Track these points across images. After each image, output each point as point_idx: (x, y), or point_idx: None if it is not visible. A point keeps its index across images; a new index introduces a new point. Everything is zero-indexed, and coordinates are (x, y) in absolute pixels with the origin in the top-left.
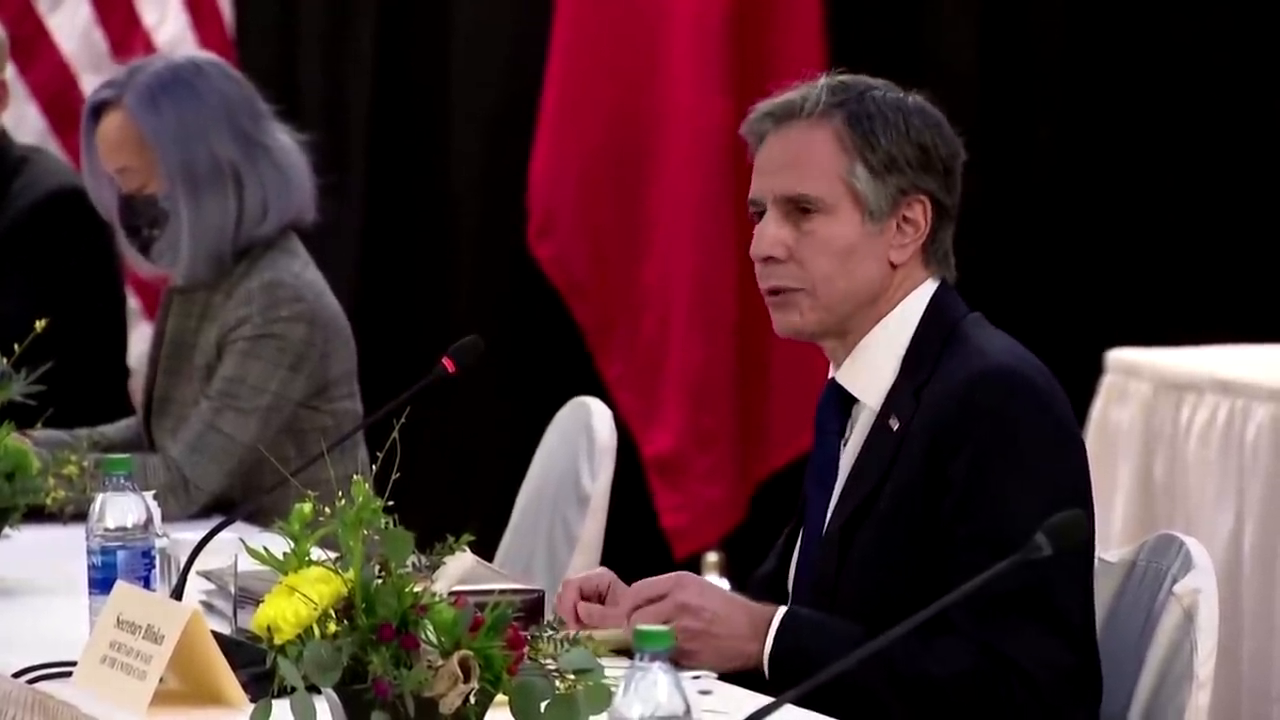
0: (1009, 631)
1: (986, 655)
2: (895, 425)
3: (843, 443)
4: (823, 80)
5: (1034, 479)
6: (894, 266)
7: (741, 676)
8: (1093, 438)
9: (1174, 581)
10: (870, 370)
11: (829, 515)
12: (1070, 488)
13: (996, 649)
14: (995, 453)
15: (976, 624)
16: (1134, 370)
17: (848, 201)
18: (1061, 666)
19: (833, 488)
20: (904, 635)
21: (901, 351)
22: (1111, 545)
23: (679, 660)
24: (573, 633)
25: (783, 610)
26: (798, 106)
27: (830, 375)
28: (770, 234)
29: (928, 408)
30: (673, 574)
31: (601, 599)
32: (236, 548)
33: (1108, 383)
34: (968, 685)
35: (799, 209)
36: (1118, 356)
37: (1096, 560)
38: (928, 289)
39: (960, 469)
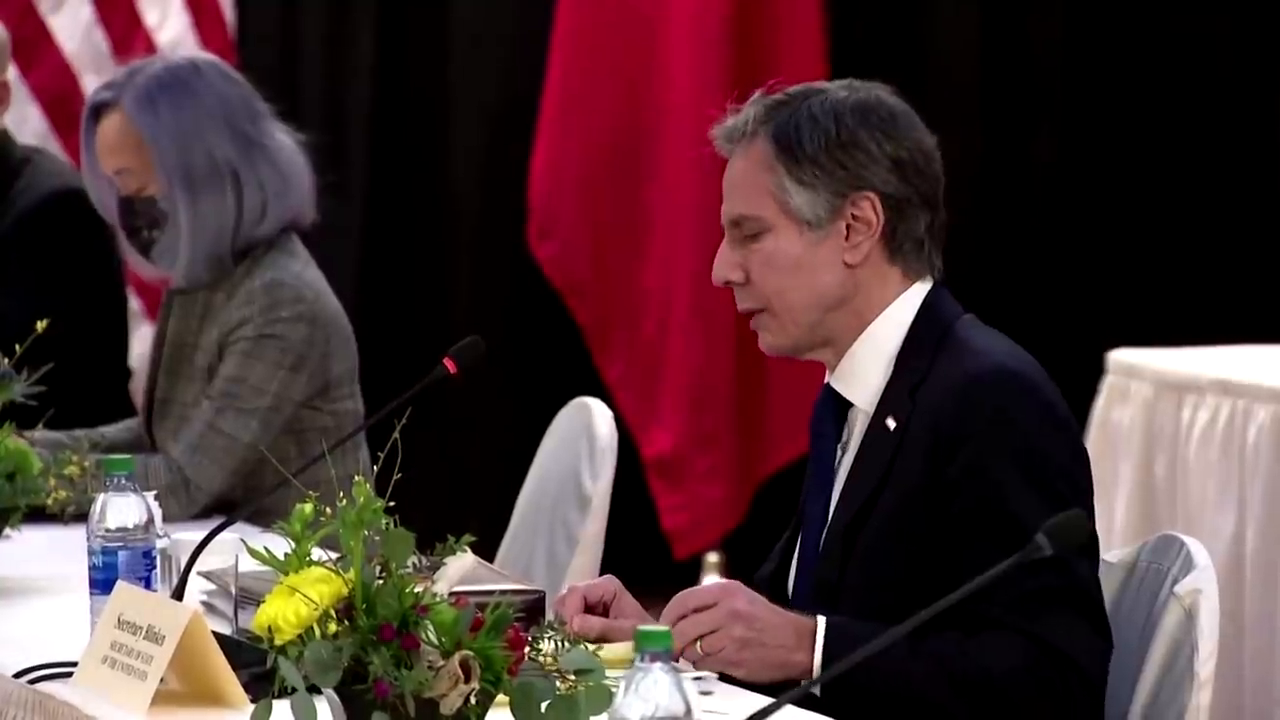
0: (1058, 625)
1: (1040, 649)
2: (893, 425)
3: (840, 447)
4: (756, 97)
5: (1035, 478)
6: (851, 267)
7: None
8: (1093, 438)
9: (1175, 582)
10: (863, 374)
11: (829, 519)
12: (1071, 487)
13: (1049, 642)
14: (995, 452)
15: (1023, 618)
16: (1135, 371)
17: (783, 217)
18: (1103, 657)
19: (831, 492)
20: (949, 637)
21: (893, 353)
22: (1112, 546)
23: (724, 669)
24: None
25: (823, 620)
26: (737, 130)
27: (825, 380)
28: (723, 258)
29: (926, 408)
30: (719, 582)
31: (606, 608)
32: (237, 548)
33: (1108, 383)
34: (1025, 680)
35: (745, 231)
36: (1118, 357)
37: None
38: (920, 290)
39: (961, 469)
